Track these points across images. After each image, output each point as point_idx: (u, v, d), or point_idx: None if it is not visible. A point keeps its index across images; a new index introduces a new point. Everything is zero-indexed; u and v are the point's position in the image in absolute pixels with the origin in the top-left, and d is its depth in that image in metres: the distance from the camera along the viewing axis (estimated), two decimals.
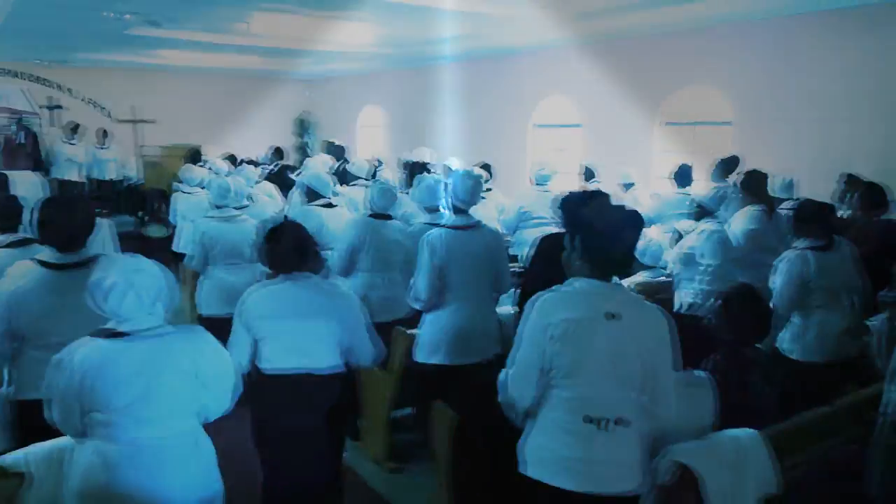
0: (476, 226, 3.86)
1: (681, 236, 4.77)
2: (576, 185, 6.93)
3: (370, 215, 4.60)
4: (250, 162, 8.83)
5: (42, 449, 2.36)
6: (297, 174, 7.35)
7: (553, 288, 2.29)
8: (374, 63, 11.28)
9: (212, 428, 2.49)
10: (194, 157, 8.55)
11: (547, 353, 2.20)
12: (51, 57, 11.19)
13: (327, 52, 9.66)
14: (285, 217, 4.43)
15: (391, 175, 7.50)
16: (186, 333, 2.35)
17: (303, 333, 2.96)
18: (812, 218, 3.97)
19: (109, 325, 2.25)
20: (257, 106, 13.25)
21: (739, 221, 4.86)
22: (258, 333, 2.96)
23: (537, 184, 6.44)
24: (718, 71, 7.23)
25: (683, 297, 4.60)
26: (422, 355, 3.81)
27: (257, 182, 7.29)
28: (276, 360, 2.96)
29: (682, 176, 6.14)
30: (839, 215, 4.79)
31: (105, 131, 11.83)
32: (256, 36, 8.42)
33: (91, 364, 2.17)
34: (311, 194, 5.48)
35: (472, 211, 3.93)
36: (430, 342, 3.79)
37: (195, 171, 7.41)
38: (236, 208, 5.25)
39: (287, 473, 3.04)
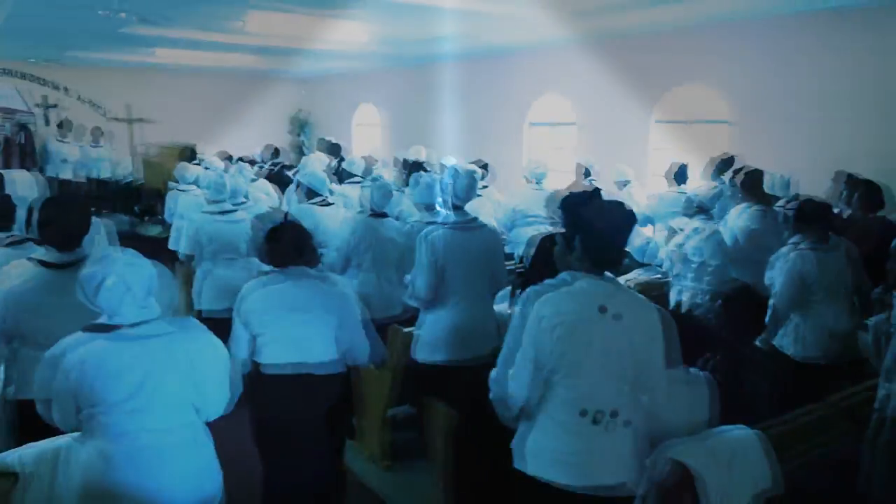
0: (475, 224, 3.86)
1: (675, 234, 4.79)
2: (568, 182, 6.95)
3: (362, 212, 4.62)
4: (244, 160, 8.82)
5: (34, 449, 2.35)
6: (295, 172, 7.34)
7: (549, 283, 2.31)
8: (370, 62, 11.26)
9: (212, 428, 2.48)
10: (189, 155, 8.54)
11: (547, 351, 2.22)
12: (45, 55, 11.14)
13: (323, 51, 9.64)
14: (286, 216, 4.45)
15: (387, 173, 7.51)
16: (180, 326, 2.35)
17: (301, 327, 2.98)
18: (813, 217, 3.99)
19: (101, 320, 2.25)
20: (253, 104, 13.22)
21: (739, 220, 4.87)
22: (256, 329, 2.98)
23: (530, 182, 6.46)
24: (714, 69, 7.24)
25: (678, 295, 4.61)
26: (423, 354, 3.81)
27: (253, 180, 7.28)
28: (275, 355, 2.98)
29: (678, 174, 6.15)
30: (838, 214, 4.81)
31: (100, 130, 11.78)
32: (252, 34, 8.39)
33: (84, 360, 2.16)
34: (308, 192, 5.49)
35: (468, 208, 3.94)
36: (431, 341, 3.78)
37: (190, 170, 7.41)
38: (234, 205, 5.26)
39: (287, 473, 3.05)
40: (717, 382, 2.53)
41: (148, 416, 2.23)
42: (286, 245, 3.06)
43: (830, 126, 6.20)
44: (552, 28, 7.24)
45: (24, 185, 4.75)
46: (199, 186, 6.97)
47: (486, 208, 6.18)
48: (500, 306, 4.13)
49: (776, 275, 4.03)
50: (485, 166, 7.04)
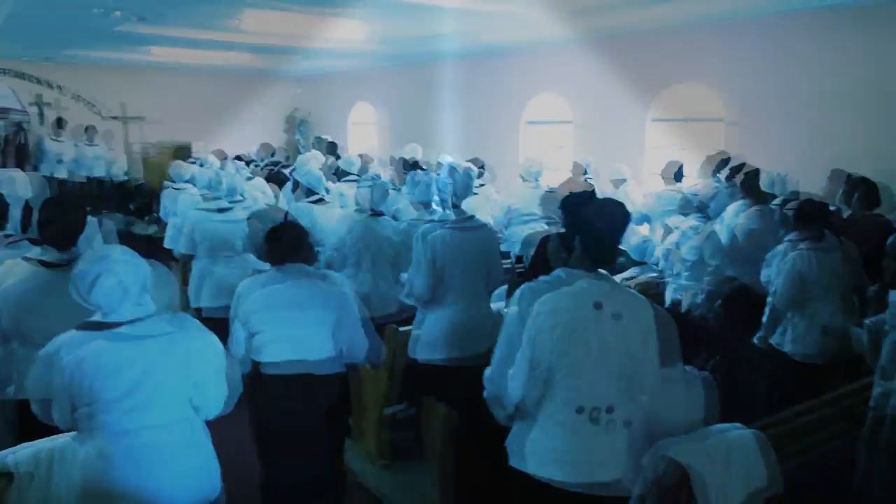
0: (473, 223, 3.87)
1: (671, 232, 4.79)
2: (562, 180, 6.95)
3: (360, 211, 4.62)
4: (240, 159, 8.81)
5: (30, 449, 2.34)
6: (291, 171, 7.35)
7: (543, 280, 2.33)
8: (366, 60, 11.24)
9: (211, 428, 2.48)
10: (185, 154, 8.53)
11: (547, 350, 2.22)
12: (40, 54, 11.09)
13: (318, 50, 9.61)
14: (286, 215, 4.47)
15: (383, 172, 7.51)
16: (176, 323, 2.34)
17: (300, 326, 2.99)
18: (813, 217, 4.00)
19: (95, 318, 2.24)
20: (248, 103, 13.17)
21: (740, 220, 4.88)
22: (256, 328, 2.99)
23: (526, 180, 6.47)
24: (710, 68, 7.24)
25: (674, 293, 4.61)
26: (423, 354, 3.80)
27: (249, 178, 7.28)
28: (274, 354, 2.98)
29: (674, 173, 6.15)
30: (838, 214, 4.83)
31: (95, 129, 11.73)
32: (247, 33, 8.36)
33: (81, 358, 2.15)
34: (305, 190, 5.50)
35: (464, 206, 3.94)
36: (431, 341, 3.78)
37: (185, 168, 7.40)
38: (230, 202, 5.26)
39: (286, 473, 3.05)
40: (716, 382, 2.54)
41: (147, 413, 2.22)
42: (286, 244, 3.08)
43: (826, 124, 6.21)
44: (548, 27, 7.24)
45: (19, 185, 4.74)
46: (194, 185, 6.97)
47: (483, 207, 6.18)
48: (498, 304, 4.14)
49: (775, 273, 4.03)
50: (482, 165, 7.05)
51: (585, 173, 7.01)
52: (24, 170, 8.34)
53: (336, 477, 3.28)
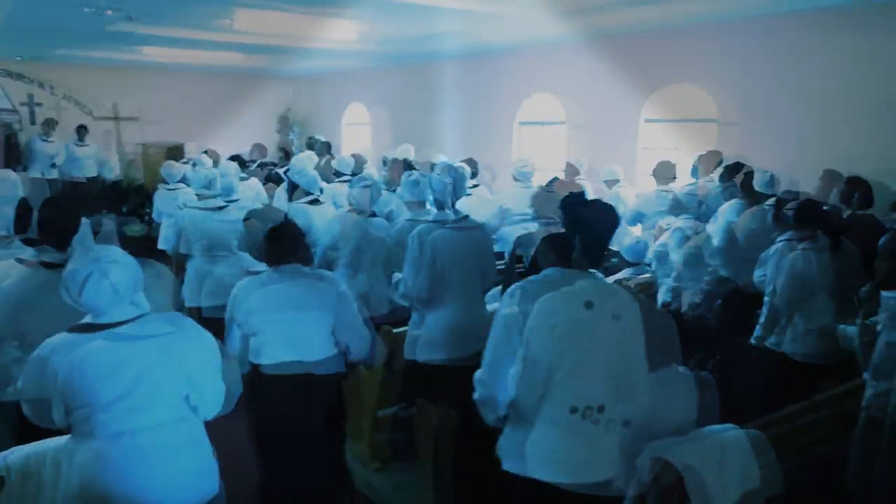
0: (469, 223, 3.87)
1: (663, 232, 4.80)
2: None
3: (353, 211, 4.62)
4: (234, 159, 8.77)
5: (21, 453, 2.32)
6: (285, 171, 7.33)
7: (533, 279, 2.34)
8: (359, 60, 11.23)
9: (211, 428, 2.47)
10: (177, 154, 8.50)
11: (547, 350, 2.23)
12: (31, 53, 11.02)
13: (312, 50, 9.59)
14: (285, 215, 4.48)
15: (375, 172, 7.50)
16: (170, 322, 2.32)
17: (299, 326, 3.00)
18: (812, 217, 4.01)
19: (86, 320, 2.22)
20: (241, 103, 13.13)
21: (740, 220, 4.89)
22: (255, 329, 2.99)
23: (518, 181, 6.47)
24: (703, 68, 7.26)
25: (665, 294, 4.62)
26: (424, 354, 3.79)
27: (243, 178, 7.26)
28: (274, 354, 2.98)
29: (666, 173, 6.17)
30: (838, 213, 4.85)
31: (85, 129, 11.66)
32: (240, 33, 8.34)
33: (76, 360, 2.13)
34: (300, 191, 5.50)
35: (458, 206, 3.95)
36: (431, 341, 3.76)
37: (176, 168, 7.36)
38: (225, 201, 5.24)
39: (286, 473, 3.05)
40: (715, 382, 2.55)
41: (144, 414, 2.21)
42: (286, 244, 3.10)
43: (819, 125, 6.23)
44: (541, 27, 7.25)
45: (9, 185, 4.71)
46: (187, 185, 6.94)
47: (477, 208, 6.18)
48: (492, 305, 4.13)
49: (773, 273, 4.03)
50: (473, 164, 7.05)
51: (578, 174, 7.02)
52: (14, 170, 8.28)
53: (336, 477, 3.28)
